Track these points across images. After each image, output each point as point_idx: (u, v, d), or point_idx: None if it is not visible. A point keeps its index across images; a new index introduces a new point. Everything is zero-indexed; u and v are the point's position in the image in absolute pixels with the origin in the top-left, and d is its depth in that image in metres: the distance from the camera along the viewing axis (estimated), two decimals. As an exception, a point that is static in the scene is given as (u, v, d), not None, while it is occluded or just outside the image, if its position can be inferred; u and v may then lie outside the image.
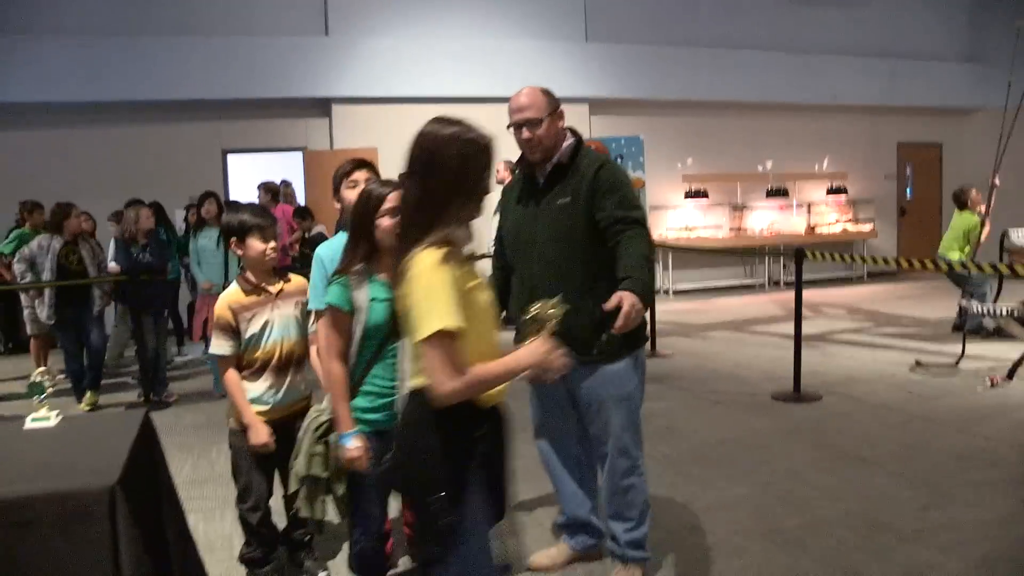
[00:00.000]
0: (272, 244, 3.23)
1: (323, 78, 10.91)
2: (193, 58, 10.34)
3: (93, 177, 10.17)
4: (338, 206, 3.18)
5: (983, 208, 8.44)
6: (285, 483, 3.10)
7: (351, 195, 3.01)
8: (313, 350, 3.23)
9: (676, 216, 13.23)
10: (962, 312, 7.90)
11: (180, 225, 9.29)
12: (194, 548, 3.12)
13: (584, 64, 12.17)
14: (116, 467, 2.35)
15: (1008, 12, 10.99)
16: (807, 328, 6.76)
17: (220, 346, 3.18)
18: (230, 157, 11.30)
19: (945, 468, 4.62)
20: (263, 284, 3.26)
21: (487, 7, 11.90)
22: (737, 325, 9.99)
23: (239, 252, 3.23)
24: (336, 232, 3.30)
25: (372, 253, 2.74)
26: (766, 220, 13.66)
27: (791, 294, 6.83)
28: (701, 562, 3.53)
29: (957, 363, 7.20)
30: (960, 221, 8.73)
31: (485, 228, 2.97)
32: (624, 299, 2.71)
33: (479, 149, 2.12)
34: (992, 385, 6.42)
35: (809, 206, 14.03)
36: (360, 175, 3.12)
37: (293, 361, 3.28)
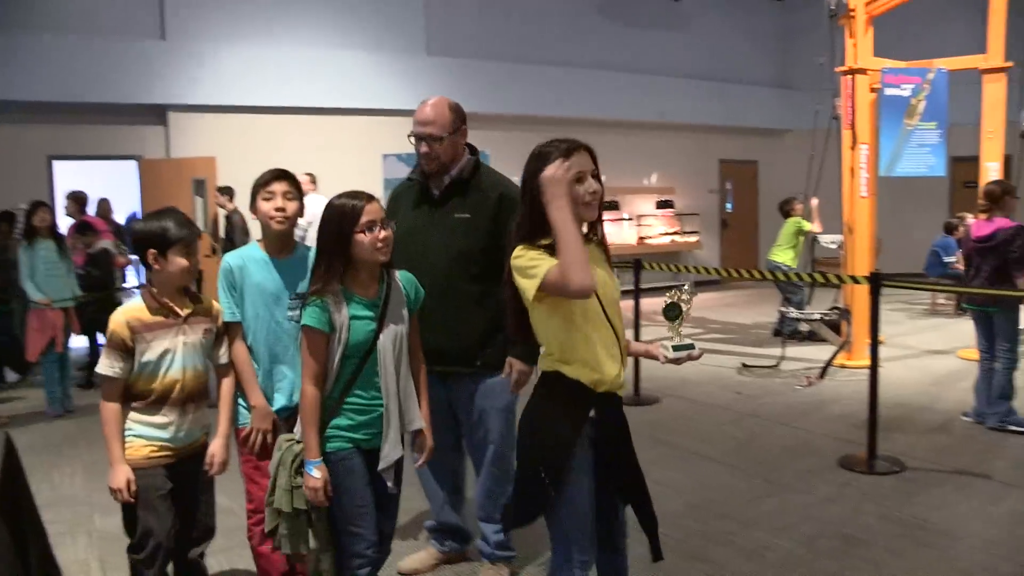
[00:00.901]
0: (196, 261, 2.83)
1: (159, 84, 10.46)
2: (16, 56, 9.65)
3: None
4: (254, 216, 3.04)
5: (803, 211, 9.27)
6: (188, 529, 2.91)
7: (267, 207, 2.94)
8: (226, 382, 2.98)
9: (515, 228, 13.56)
10: (782, 317, 8.61)
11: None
12: (58, 571, 3.02)
13: (425, 77, 12.29)
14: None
15: (810, 45, 12.05)
16: (643, 335, 7.19)
17: (109, 366, 2.73)
18: (56, 164, 10.63)
19: (774, 459, 5.09)
20: (171, 304, 2.81)
21: (329, 18, 11.82)
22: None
23: (156, 266, 2.75)
24: (223, 243, 3.23)
25: (347, 270, 2.61)
26: (600, 232, 14.21)
27: (626, 303, 7.23)
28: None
29: (777, 365, 7.86)
30: (788, 227, 9.50)
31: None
32: (512, 366, 3.06)
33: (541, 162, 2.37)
34: (808, 384, 7.07)
35: (639, 219, 14.77)
36: (278, 187, 2.96)
37: (196, 395, 2.88)
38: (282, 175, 3.01)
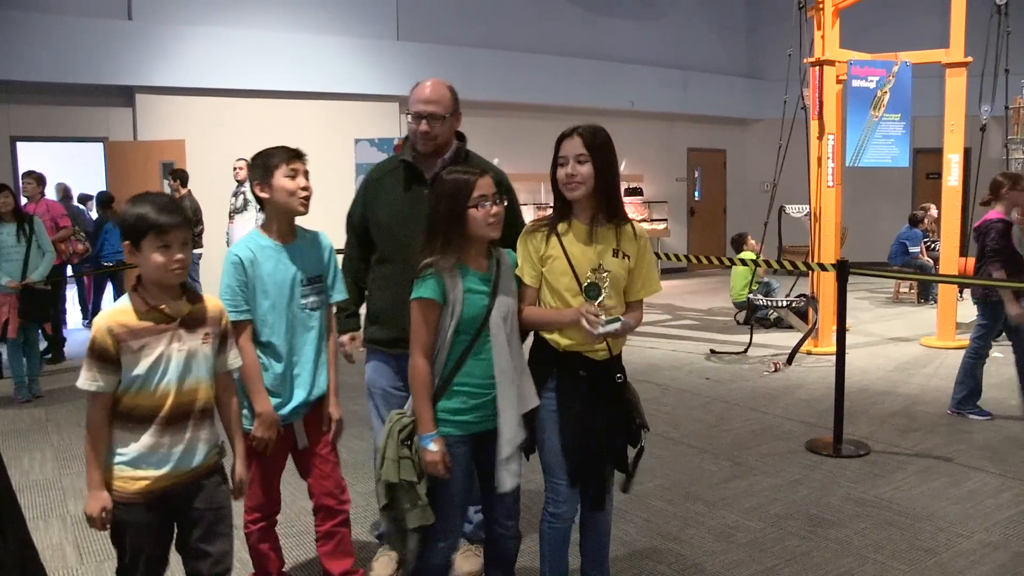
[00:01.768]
0: (178, 255, 2.34)
1: (126, 65, 10.31)
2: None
3: None
4: (265, 195, 2.82)
5: (756, 246, 9.48)
6: (198, 564, 2.50)
7: (292, 186, 2.78)
8: (232, 399, 2.59)
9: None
10: (750, 304, 8.74)
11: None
12: (36, 556, 3.01)
13: (395, 62, 12.26)
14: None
15: (778, 36, 12.17)
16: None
17: (91, 380, 2.29)
18: (20, 145, 10.45)
19: (742, 443, 5.19)
20: (162, 306, 2.37)
21: (300, 1, 11.73)
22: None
23: (131, 260, 2.36)
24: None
25: (463, 244, 2.59)
26: (569, 219, 14.29)
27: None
28: (533, 538, 3.79)
29: (746, 351, 7.99)
30: (743, 272, 9.55)
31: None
32: None
33: None
34: (776, 370, 7.20)
35: (609, 206, 14.82)
36: (301, 165, 2.81)
37: (195, 412, 2.42)
38: (301, 153, 2.85)
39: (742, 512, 4.08)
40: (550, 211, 2.81)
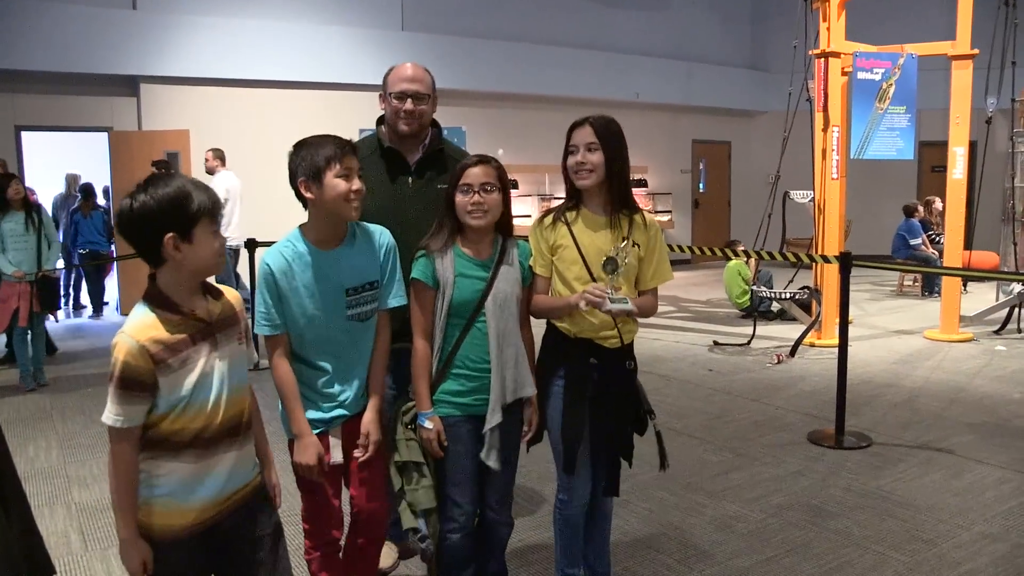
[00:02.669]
0: (222, 239, 2.04)
1: (130, 54, 10.28)
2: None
3: None
4: (311, 196, 2.45)
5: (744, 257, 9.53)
6: None
7: (345, 188, 2.43)
8: (253, 412, 2.21)
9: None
10: (753, 297, 8.74)
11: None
12: (41, 543, 3.04)
13: (400, 53, 12.18)
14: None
15: (783, 28, 12.14)
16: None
17: (119, 415, 1.90)
18: (25, 135, 10.47)
19: (744, 434, 5.20)
20: (195, 310, 2.00)
21: (304, -9, 11.73)
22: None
23: (177, 254, 1.92)
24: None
25: (458, 228, 2.64)
26: (573, 210, 14.30)
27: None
28: (536, 529, 3.82)
29: (749, 343, 8.00)
30: (730, 272, 9.67)
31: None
32: None
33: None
34: (779, 362, 7.21)
35: (613, 197, 14.82)
36: (354, 163, 2.47)
37: (243, 423, 2.10)
38: (354, 146, 2.53)
39: (743, 503, 4.09)
40: (555, 202, 2.84)
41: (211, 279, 2.14)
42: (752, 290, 8.72)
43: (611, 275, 2.59)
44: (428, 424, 2.61)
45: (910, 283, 11.74)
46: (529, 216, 13.87)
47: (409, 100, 3.00)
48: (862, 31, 8.67)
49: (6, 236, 6.44)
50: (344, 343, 2.54)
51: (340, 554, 2.71)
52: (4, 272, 6.44)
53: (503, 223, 2.69)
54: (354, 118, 11.28)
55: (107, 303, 10.84)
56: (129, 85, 10.69)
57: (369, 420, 2.58)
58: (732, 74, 16.15)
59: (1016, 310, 8.65)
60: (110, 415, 1.91)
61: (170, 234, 1.90)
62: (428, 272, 2.60)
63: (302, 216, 2.62)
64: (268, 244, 3.99)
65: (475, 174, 2.60)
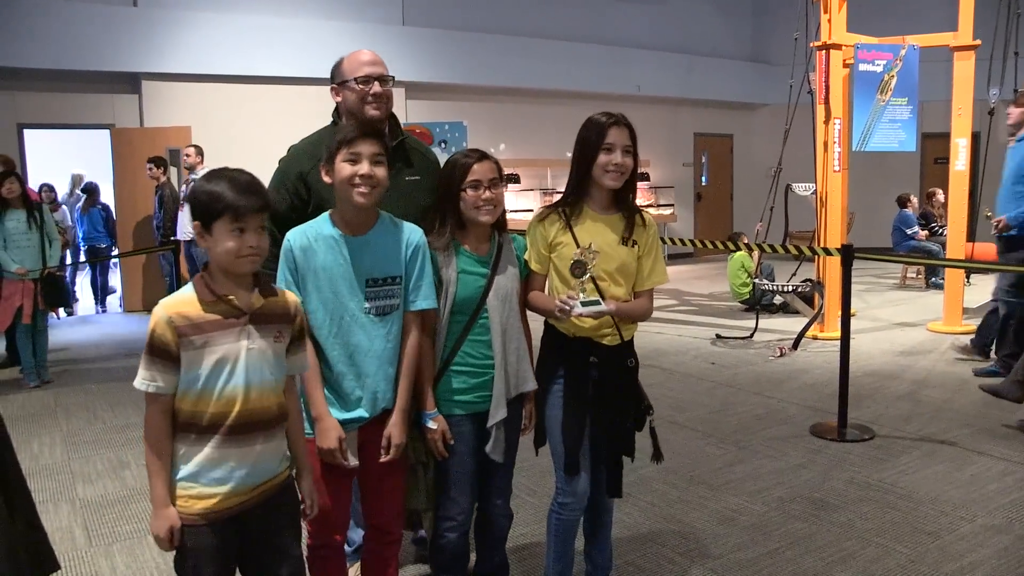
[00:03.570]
0: (253, 240, 2.06)
1: (131, 51, 10.30)
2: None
3: None
4: (328, 180, 2.46)
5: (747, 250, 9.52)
6: None
7: (349, 172, 2.39)
8: (291, 404, 2.26)
9: (488, 199, 13.63)
10: (755, 289, 8.74)
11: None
12: (45, 539, 3.04)
13: (401, 48, 12.22)
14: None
15: (784, 20, 12.11)
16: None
17: (149, 379, 2.01)
18: (27, 132, 10.48)
19: (747, 427, 5.21)
20: (231, 296, 2.08)
21: (305, -14, 11.72)
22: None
23: (202, 243, 2.08)
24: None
25: (458, 225, 2.64)
26: (575, 204, 14.30)
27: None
28: (539, 523, 3.81)
29: (751, 336, 7.99)
30: (734, 264, 9.75)
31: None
32: None
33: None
34: (781, 355, 7.20)
35: (615, 191, 14.83)
36: (367, 148, 2.39)
37: (266, 420, 2.13)
38: (375, 132, 2.45)
39: (746, 495, 4.10)
40: (557, 196, 2.82)
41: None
42: (754, 283, 8.71)
43: (579, 279, 2.58)
44: (432, 424, 2.59)
45: (913, 275, 11.72)
46: (531, 211, 13.88)
47: (376, 83, 2.88)
48: (863, 23, 8.64)
49: (9, 234, 6.45)
50: (358, 338, 2.47)
51: (355, 552, 2.74)
52: (7, 269, 6.44)
53: (498, 218, 2.69)
54: (355, 113, 11.29)
55: (113, 290, 10.90)
56: (131, 82, 10.70)
57: (392, 423, 2.51)
58: (733, 67, 16.12)
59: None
60: (139, 379, 2.01)
61: (196, 222, 2.07)
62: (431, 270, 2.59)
63: None
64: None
65: (482, 170, 2.60)
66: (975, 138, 8.40)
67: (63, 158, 12.75)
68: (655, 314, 9.27)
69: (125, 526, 3.93)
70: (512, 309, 2.67)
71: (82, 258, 10.79)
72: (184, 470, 2.06)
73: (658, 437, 2.90)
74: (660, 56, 14.92)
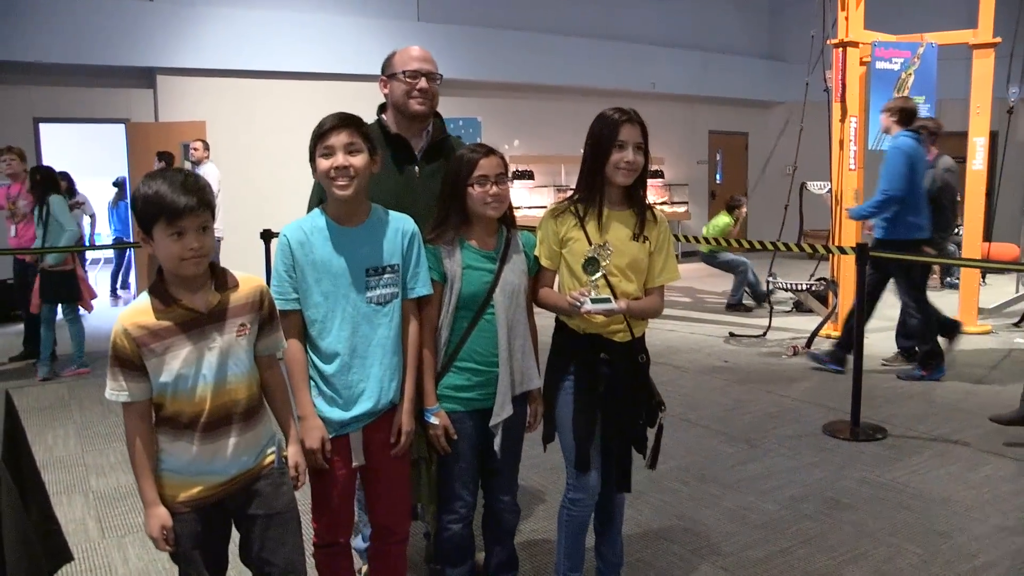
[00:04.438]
0: (194, 243, 2.03)
1: (147, 46, 10.36)
2: (1, 17, 9.54)
3: None
4: (315, 176, 2.51)
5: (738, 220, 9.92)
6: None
7: (325, 166, 2.39)
8: (274, 379, 2.31)
9: (502, 196, 13.65)
10: (768, 287, 8.69)
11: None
12: (59, 530, 3.06)
13: (415, 43, 12.06)
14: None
15: (800, 18, 12.06)
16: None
17: (118, 389, 2.05)
18: (43, 127, 10.56)
19: (759, 425, 5.19)
20: (184, 300, 2.08)
21: (319, -19, 11.74)
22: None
23: (148, 249, 2.10)
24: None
25: (464, 220, 2.63)
26: (590, 201, 14.30)
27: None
28: (549, 518, 3.82)
29: (764, 334, 7.96)
30: (720, 219, 10.06)
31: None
32: None
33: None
34: (795, 353, 7.17)
35: (629, 188, 14.81)
36: (337, 139, 2.38)
37: (237, 413, 2.16)
38: (345, 122, 2.41)
39: (757, 494, 4.08)
40: (570, 193, 2.82)
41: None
42: (768, 282, 8.66)
43: (592, 276, 2.58)
44: (434, 420, 2.60)
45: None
46: (545, 207, 13.86)
47: (423, 78, 2.91)
48: (881, 20, 8.58)
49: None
50: (362, 328, 2.46)
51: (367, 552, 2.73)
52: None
53: (506, 213, 2.69)
54: (371, 109, 11.25)
55: (128, 287, 10.99)
56: (146, 77, 10.77)
57: (404, 410, 2.53)
58: (749, 64, 16.05)
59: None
60: (109, 391, 2.08)
61: (138, 228, 2.06)
62: (435, 266, 2.59)
63: None
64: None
65: (490, 165, 2.59)
66: (993, 137, 8.34)
67: (78, 153, 12.84)
68: (668, 311, 9.28)
69: (137, 518, 3.95)
70: (519, 306, 2.67)
71: (89, 255, 10.88)
72: (167, 462, 2.13)
73: (661, 441, 2.85)
74: (675, 53, 14.87)
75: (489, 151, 2.63)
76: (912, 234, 6.11)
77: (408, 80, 2.89)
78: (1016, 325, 8.34)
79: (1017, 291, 9.04)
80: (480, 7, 13.12)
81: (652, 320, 2.86)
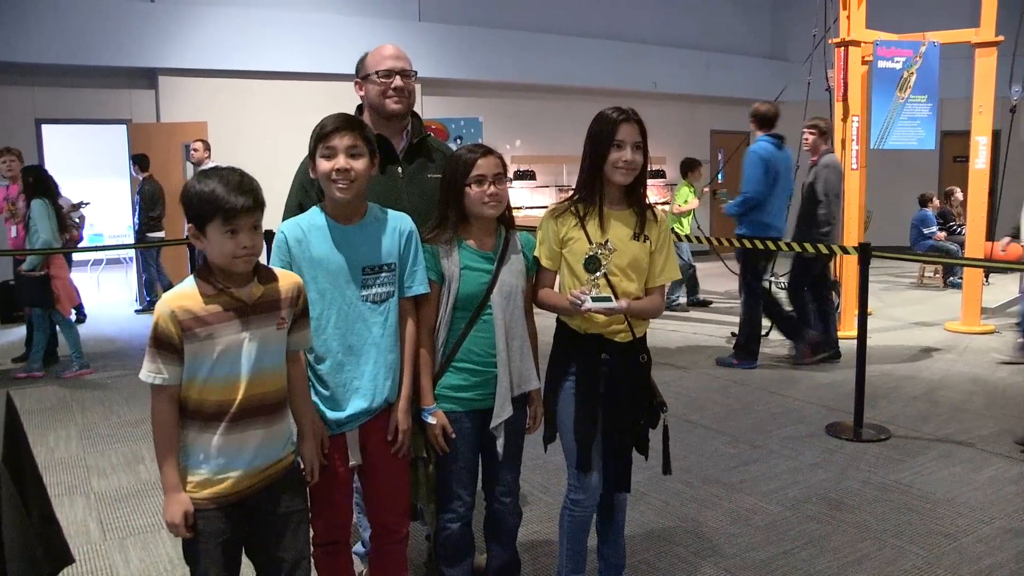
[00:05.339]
0: (247, 241, 2.09)
1: (148, 47, 10.37)
2: (3, 17, 9.54)
3: None
4: (314, 176, 2.49)
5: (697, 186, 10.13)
6: (262, 574, 2.31)
7: (327, 168, 2.39)
8: (297, 373, 2.34)
9: (504, 196, 13.66)
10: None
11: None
12: (60, 532, 3.05)
13: (417, 43, 12.20)
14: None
15: (802, 17, 12.02)
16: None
17: (155, 371, 2.07)
18: (45, 128, 10.56)
19: (762, 426, 5.17)
20: (231, 289, 2.13)
21: (321, -18, 11.74)
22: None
23: (198, 245, 2.12)
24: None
25: (462, 221, 2.62)
26: (592, 202, 14.30)
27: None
28: (551, 520, 3.80)
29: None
30: (682, 192, 10.20)
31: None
32: None
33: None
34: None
35: (630, 188, 14.81)
36: (340, 140, 2.38)
37: (269, 404, 2.19)
38: (348, 124, 2.41)
39: (760, 495, 4.07)
40: (571, 192, 2.81)
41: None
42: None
43: (593, 274, 2.57)
44: (432, 420, 2.59)
45: (931, 275, 11.62)
46: (547, 207, 13.84)
47: (397, 76, 2.87)
48: (883, 19, 8.56)
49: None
50: (357, 326, 2.47)
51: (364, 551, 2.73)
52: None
53: (504, 214, 2.67)
54: (371, 109, 11.31)
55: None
56: (147, 77, 10.77)
57: (400, 409, 2.54)
58: (751, 63, 16.03)
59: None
60: (145, 371, 2.08)
61: (190, 224, 2.11)
62: (432, 266, 2.58)
63: None
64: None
65: (488, 165, 2.58)
66: (996, 136, 8.32)
67: (80, 153, 12.84)
68: (669, 312, 9.29)
69: (139, 520, 3.94)
70: (516, 306, 2.66)
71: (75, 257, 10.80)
72: (192, 457, 2.13)
73: (669, 443, 2.85)
74: (677, 53, 14.86)
75: (487, 151, 2.61)
76: (761, 233, 6.59)
77: (382, 80, 2.87)
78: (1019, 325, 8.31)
79: (1020, 290, 9.00)
80: (481, 7, 13.12)
81: (653, 320, 2.85)
